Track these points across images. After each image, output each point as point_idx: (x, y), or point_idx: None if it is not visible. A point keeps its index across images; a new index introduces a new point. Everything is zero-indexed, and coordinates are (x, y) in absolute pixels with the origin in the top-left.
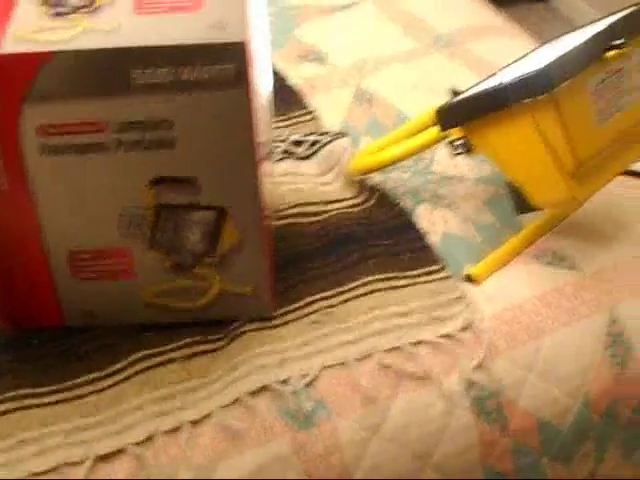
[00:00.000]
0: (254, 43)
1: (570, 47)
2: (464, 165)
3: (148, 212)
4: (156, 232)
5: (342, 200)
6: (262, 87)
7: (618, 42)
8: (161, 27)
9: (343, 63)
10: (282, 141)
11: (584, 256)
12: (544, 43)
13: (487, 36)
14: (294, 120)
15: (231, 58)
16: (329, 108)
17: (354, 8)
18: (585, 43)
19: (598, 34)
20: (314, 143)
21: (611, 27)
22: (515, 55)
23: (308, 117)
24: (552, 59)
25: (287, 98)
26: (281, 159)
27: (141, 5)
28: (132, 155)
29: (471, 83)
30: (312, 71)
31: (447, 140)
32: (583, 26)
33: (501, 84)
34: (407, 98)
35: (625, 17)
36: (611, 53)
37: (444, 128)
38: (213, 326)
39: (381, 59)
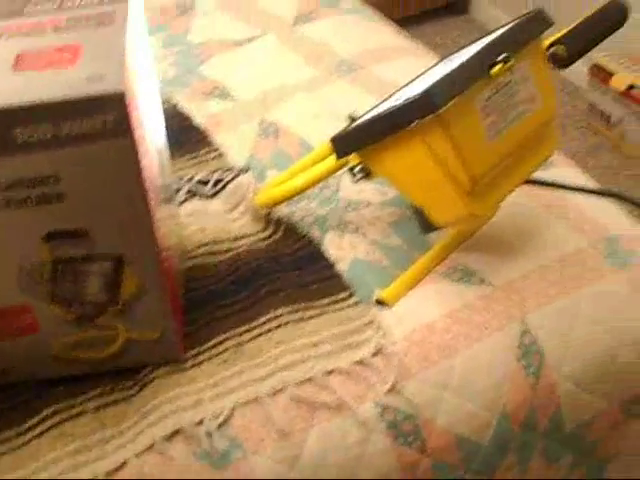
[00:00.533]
0: (137, 89)
1: (454, 66)
2: (369, 190)
3: (46, 267)
4: (55, 286)
5: (250, 235)
6: (153, 132)
7: (502, 57)
8: (40, 83)
9: (247, 97)
10: (187, 181)
11: (492, 269)
12: (444, 58)
13: (390, 58)
14: (200, 159)
15: (111, 109)
16: (235, 143)
17: (256, 41)
18: (469, 60)
19: (481, 50)
20: (219, 181)
21: (494, 42)
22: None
23: (213, 155)
24: (436, 79)
25: (192, 138)
26: (187, 200)
27: (20, 62)
28: (22, 212)
29: (372, 105)
30: (217, 107)
31: (347, 167)
32: (479, 38)
33: (389, 109)
34: (311, 127)
35: (507, 31)
36: (496, 68)
37: (339, 156)
38: (124, 374)
39: (284, 90)
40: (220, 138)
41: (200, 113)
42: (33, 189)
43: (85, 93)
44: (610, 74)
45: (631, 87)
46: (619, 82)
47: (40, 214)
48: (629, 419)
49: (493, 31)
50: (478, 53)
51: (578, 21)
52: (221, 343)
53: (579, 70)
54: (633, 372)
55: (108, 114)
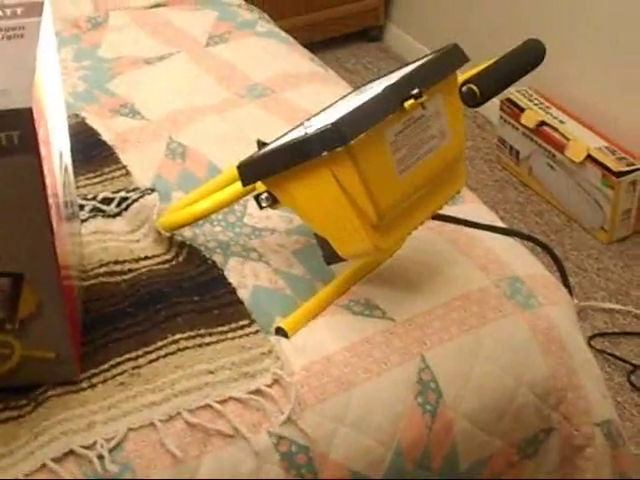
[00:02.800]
0: (45, 105)
1: (367, 98)
2: (276, 217)
3: None
4: None
5: (152, 257)
6: (59, 147)
7: (415, 92)
8: None
9: (156, 116)
10: (92, 199)
11: (395, 304)
12: (357, 88)
13: (301, 84)
14: (105, 177)
15: (17, 124)
16: (141, 163)
17: (168, 60)
18: (381, 94)
19: (395, 84)
20: (123, 200)
21: (407, 77)
22: (329, 102)
23: (119, 173)
24: (347, 111)
25: (98, 154)
26: (90, 217)
27: None
28: None
29: (281, 133)
30: (125, 125)
31: (253, 193)
32: (392, 71)
33: (298, 138)
34: (219, 150)
35: (421, 66)
36: (409, 103)
37: (245, 183)
38: (17, 392)
39: (194, 111)
40: (127, 156)
41: (107, 130)
42: None
43: None
44: (521, 110)
45: (541, 124)
46: (529, 119)
47: None
48: (524, 459)
49: (408, 64)
50: (391, 87)
51: (493, 60)
52: (118, 365)
53: (490, 104)
54: (529, 413)
55: (14, 130)
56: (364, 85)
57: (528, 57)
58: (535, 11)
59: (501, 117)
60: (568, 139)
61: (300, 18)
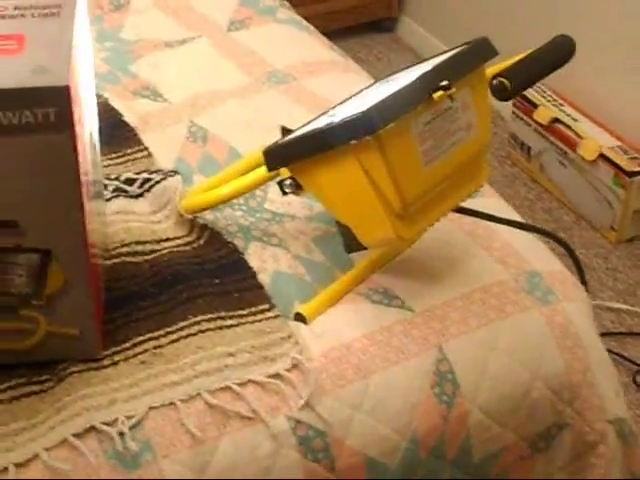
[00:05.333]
0: (80, 84)
1: (397, 88)
2: (297, 203)
3: None
4: None
5: (173, 239)
6: (88, 126)
7: (444, 83)
8: None
9: (177, 99)
10: (115, 179)
11: (414, 294)
12: (381, 79)
13: (321, 71)
14: (127, 157)
15: (53, 102)
16: (163, 145)
17: (189, 44)
18: (411, 85)
19: (424, 75)
20: (146, 181)
21: (437, 69)
22: (349, 90)
23: (141, 154)
24: (377, 101)
25: (121, 135)
26: (113, 197)
27: None
28: None
29: (304, 119)
30: (147, 107)
31: (277, 179)
32: (419, 62)
33: (326, 126)
34: (240, 135)
35: (450, 59)
36: (438, 94)
37: (270, 169)
38: (40, 367)
39: (215, 95)
40: (148, 138)
41: (129, 111)
42: None
43: (28, 84)
44: (534, 106)
45: (554, 121)
46: (542, 115)
47: None
48: (535, 453)
49: (436, 56)
50: (420, 78)
51: (525, 55)
52: (139, 344)
53: None
54: (543, 408)
55: (51, 107)
56: (388, 76)
57: (559, 53)
58: (548, 8)
59: (513, 113)
60: (581, 137)
61: (313, 7)
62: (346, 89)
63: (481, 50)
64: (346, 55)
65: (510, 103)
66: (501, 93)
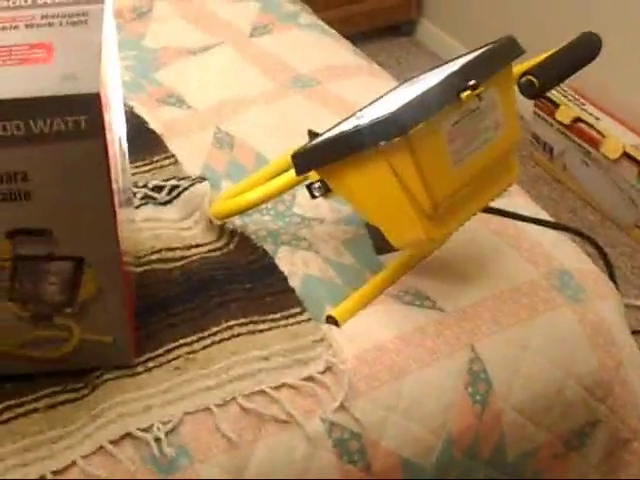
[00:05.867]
0: (109, 91)
1: (425, 88)
2: (325, 206)
3: (6, 263)
4: (14, 283)
5: (203, 245)
6: (118, 134)
7: (472, 83)
8: (12, 79)
9: (202, 106)
10: (142, 187)
11: (445, 295)
12: (405, 81)
13: (347, 75)
14: (154, 165)
15: (84, 109)
16: (189, 152)
17: (213, 50)
18: (439, 85)
19: (452, 75)
20: (174, 188)
21: (464, 68)
22: (375, 93)
23: (168, 162)
24: (406, 102)
25: (147, 143)
26: (141, 205)
27: None
28: None
29: (330, 123)
30: (172, 115)
31: (305, 183)
32: (444, 63)
33: (355, 128)
34: (266, 141)
35: (477, 58)
36: (466, 94)
37: (299, 172)
38: (74, 375)
39: (240, 101)
40: (174, 145)
41: (154, 119)
42: (1, 185)
43: (59, 92)
44: (556, 105)
45: (576, 120)
46: (564, 115)
47: (5, 210)
48: (570, 452)
49: (462, 56)
50: (448, 78)
51: (552, 52)
52: (172, 350)
53: (525, 99)
54: (577, 406)
55: (81, 115)
56: (414, 77)
57: (586, 50)
58: (569, 6)
59: (535, 113)
60: (603, 136)
61: (331, 12)
62: (372, 92)
63: (508, 49)
64: (370, 59)
65: (531, 103)
66: (529, 91)
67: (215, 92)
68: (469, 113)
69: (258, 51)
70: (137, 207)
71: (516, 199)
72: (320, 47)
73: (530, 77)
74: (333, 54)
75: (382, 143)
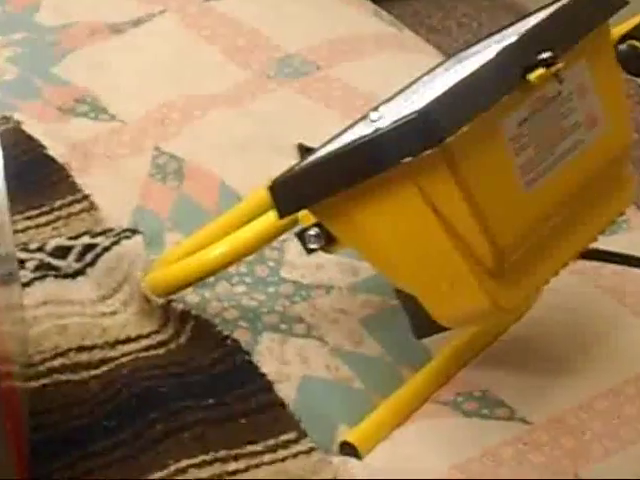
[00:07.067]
0: None
1: (469, 72)
2: (332, 265)
3: None
4: None
5: (137, 338)
6: None
7: (545, 56)
8: None
9: (133, 115)
10: (36, 250)
11: (529, 397)
12: (451, 57)
13: (362, 53)
14: (57, 214)
15: None
16: (113, 189)
17: (148, 25)
18: (491, 64)
19: (510, 48)
20: (88, 249)
21: (530, 34)
22: (405, 80)
23: (79, 207)
24: (440, 93)
25: (44, 179)
26: (35, 280)
27: None
28: None
29: (335, 130)
30: (85, 130)
31: (295, 229)
32: (512, 24)
33: (363, 137)
34: (235, 163)
35: (551, 17)
36: (536, 73)
37: (282, 213)
38: None
39: (193, 103)
40: (89, 180)
41: (56, 140)
42: None
43: None
44: None
45: None
46: None
47: None
48: None
49: (532, 13)
50: (506, 50)
51: None
52: None
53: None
54: None
55: None
56: (462, 51)
57: None
58: None
59: None
60: None
61: None
62: (402, 77)
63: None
64: (400, 24)
65: None
66: (633, 63)
67: (152, 91)
68: (545, 104)
69: (219, 22)
70: (28, 283)
71: (635, 233)
72: (321, 10)
73: (634, 42)
74: (341, 20)
75: (406, 160)
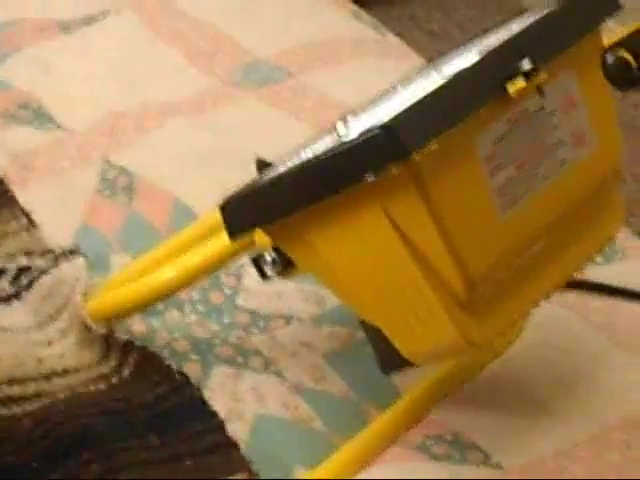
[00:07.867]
0: None
1: (445, 79)
2: (292, 292)
3: None
4: None
5: (75, 370)
6: None
7: (526, 67)
8: None
9: (80, 123)
10: None
11: (504, 441)
12: (427, 66)
13: (339, 59)
14: None
15: None
16: (56, 206)
17: (100, 24)
18: (465, 72)
19: (489, 55)
20: (22, 272)
21: (511, 41)
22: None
23: (16, 226)
24: (410, 104)
25: None
26: None
27: None
28: None
29: (296, 144)
30: (26, 140)
31: (250, 254)
32: (486, 33)
33: (324, 152)
34: (192, 179)
35: (535, 24)
36: (516, 85)
37: (233, 236)
38: None
39: (147, 112)
40: (30, 196)
41: None
42: None
43: None
44: None
45: None
46: None
47: None
48: None
49: (517, 17)
50: (484, 58)
51: None
52: None
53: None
54: None
55: None
56: (443, 57)
57: None
58: None
59: None
60: None
61: None
62: (382, 87)
63: (589, 4)
64: (381, 27)
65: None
66: (621, 75)
67: (102, 97)
68: (525, 119)
69: (179, 19)
70: None
71: (635, 263)
72: (295, 9)
73: (622, 53)
74: (317, 21)
75: (369, 177)
